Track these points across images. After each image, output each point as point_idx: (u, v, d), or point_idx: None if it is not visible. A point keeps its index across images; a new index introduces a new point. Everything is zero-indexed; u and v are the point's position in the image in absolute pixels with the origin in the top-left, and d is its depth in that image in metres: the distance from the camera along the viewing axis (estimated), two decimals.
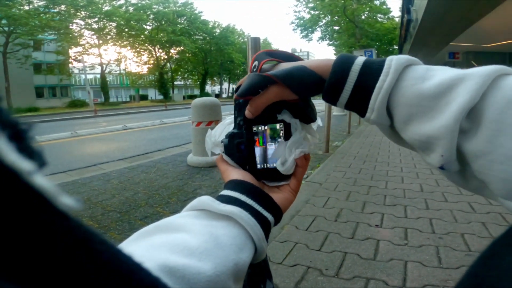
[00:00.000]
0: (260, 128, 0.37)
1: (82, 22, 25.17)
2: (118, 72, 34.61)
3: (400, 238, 1.62)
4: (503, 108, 0.23)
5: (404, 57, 0.28)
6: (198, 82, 38.37)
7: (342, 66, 0.30)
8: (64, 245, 0.11)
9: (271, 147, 0.37)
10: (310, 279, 1.30)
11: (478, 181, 0.27)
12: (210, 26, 36.14)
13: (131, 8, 28.49)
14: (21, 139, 0.11)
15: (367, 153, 3.94)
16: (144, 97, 37.31)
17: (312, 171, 3.05)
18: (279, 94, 0.33)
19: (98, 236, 0.13)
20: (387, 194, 2.31)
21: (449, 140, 0.25)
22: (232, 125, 0.40)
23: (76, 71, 30.42)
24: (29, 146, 0.11)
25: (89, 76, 33.41)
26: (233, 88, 43.79)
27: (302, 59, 0.36)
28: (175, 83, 38.43)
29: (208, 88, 43.10)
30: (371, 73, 0.29)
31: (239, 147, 0.38)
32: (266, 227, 0.32)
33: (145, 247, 0.26)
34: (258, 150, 0.38)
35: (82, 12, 24.27)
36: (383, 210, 2.00)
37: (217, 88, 46.59)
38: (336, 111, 10.99)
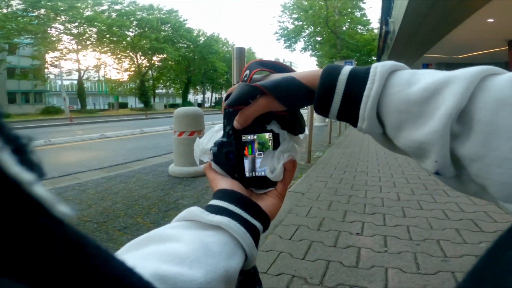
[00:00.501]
0: (249, 137, 0.37)
1: (61, 27, 24.43)
2: (96, 78, 33.64)
3: (380, 245, 1.66)
4: (494, 110, 0.23)
5: (388, 63, 0.29)
6: (181, 91, 38.02)
7: (329, 77, 0.30)
8: (60, 249, 0.12)
9: (260, 156, 0.38)
10: None
11: (476, 185, 0.26)
12: (194, 34, 36.13)
13: (114, 14, 27.99)
14: (22, 152, 0.12)
15: (347, 163, 4.04)
16: (123, 105, 36.39)
17: (295, 181, 3.09)
18: (268, 105, 0.33)
19: (92, 242, 0.14)
20: (367, 203, 2.37)
21: (441, 146, 0.25)
22: (221, 133, 0.40)
23: (52, 76, 29.27)
24: (29, 158, 0.12)
25: (66, 82, 32.24)
26: (216, 98, 43.75)
27: (294, 70, 0.37)
28: (157, 91, 37.86)
29: (190, 97, 42.76)
30: (357, 82, 0.29)
31: (228, 156, 0.38)
32: (255, 234, 0.32)
33: (136, 257, 0.26)
34: (246, 159, 0.38)
35: (62, 17, 23.58)
36: (363, 219, 2.05)
37: (199, 97, 46.33)
38: (317, 121, 11.23)
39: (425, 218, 2.04)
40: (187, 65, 35.49)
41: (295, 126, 0.37)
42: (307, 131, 0.41)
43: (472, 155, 0.24)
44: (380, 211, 2.18)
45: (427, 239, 1.72)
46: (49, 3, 21.57)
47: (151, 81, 34.43)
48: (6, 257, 0.11)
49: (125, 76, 33.28)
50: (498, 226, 1.85)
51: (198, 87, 40.83)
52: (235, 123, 0.35)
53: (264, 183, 0.38)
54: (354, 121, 0.30)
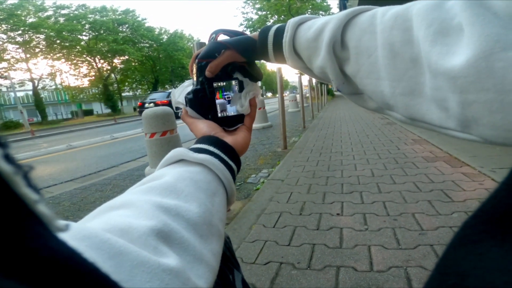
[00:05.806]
0: (219, 84, 0.46)
1: (4, 36, 22.50)
2: (54, 87, 31.48)
3: (360, 223, 1.72)
4: (358, 37, 0.31)
5: (298, 17, 0.39)
6: (149, 92, 36.65)
7: (263, 34, 0.41)
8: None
9: (229, 99, 0.46)
10: (284, 274, 1.32)
11: (373, 100, 0.34)
12: (156, 32, 34.77)
13: (61, 19, 26.13)
14: (5, 146, 0.11)
15: (322, 145, 4.14)
16: (88, 112, 34.51)
17: (273, 169, 3.12)
18: (230, 56, 0.43)
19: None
20: (344, 183, 2.45)
21: (330, 67, 0.35)
22: (190, 87, 0.47)
23: (4, 89, 27.02)
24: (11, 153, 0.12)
25: (20, 94, 30.03)
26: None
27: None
28: (123, 94, 36.20)
29: None
30: (279, 34, 0.40)
31: (202, 100, 0.45)
32: (231, 173, 0.37)
33: (135, 192, 0.29)
34: (218, 102, 0.46)
35: (3, 26, 21.71)
36: (342, 199, 2.11)
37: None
38: (291, 108, 11.36)
39: (399, 192, 2.13)
40: (152, 64, 34.21)
41: (254, 74, 0.47)
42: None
43: (353, 72, 0.33)
44: (357, 189, 2.26)
45: (403, 213, 1.79)
46: None
47: (116, 85, 32.85)
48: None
49: (85, 82, 31.46)
50: (467, 194, 1.96)
51: (167, 86, 39.52)
52: (207, 72, 0.43)
53: (234, 121, 0.46)
54: (284, 61, 0.41)
